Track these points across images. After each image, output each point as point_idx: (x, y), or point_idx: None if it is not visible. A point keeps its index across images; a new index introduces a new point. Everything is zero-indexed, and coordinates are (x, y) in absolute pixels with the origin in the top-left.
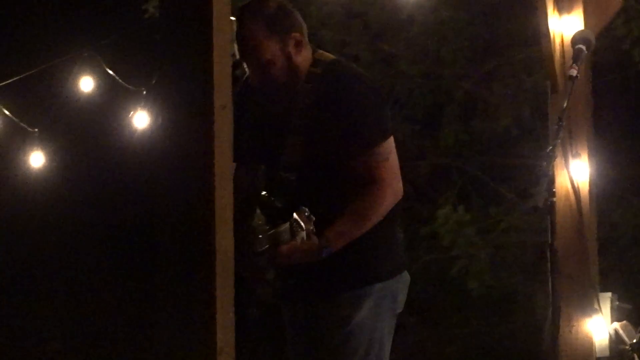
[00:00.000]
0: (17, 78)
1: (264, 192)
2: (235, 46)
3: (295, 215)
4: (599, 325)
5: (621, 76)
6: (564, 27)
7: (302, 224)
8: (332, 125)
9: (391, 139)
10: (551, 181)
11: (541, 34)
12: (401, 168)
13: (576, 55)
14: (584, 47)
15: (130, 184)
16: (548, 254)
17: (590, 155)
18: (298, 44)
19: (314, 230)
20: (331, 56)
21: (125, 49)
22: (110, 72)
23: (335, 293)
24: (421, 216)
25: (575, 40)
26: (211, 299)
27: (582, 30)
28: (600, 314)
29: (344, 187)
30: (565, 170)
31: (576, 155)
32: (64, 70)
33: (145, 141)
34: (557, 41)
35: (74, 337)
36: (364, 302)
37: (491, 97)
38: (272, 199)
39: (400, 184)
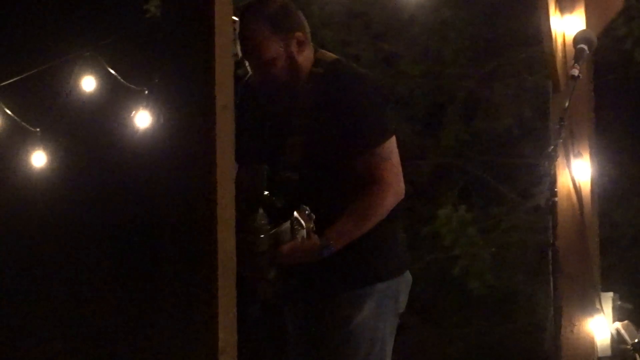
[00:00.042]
0: (18, 78)
1: (266, 192)
2: (238, 45)
3: (295, 213)
4: (600, 325)
5: (622, 76)
6: (566, 26)
7: (303, 222)
8: (334, 125)
9: (393, 139)
10: (553, 181)
11: (543, 34)
12: (402, 168)
13: (578, 55)
14: (585, 47)
15: (132, 183)
16: (549, 253)
17: (591, 155)
18: (300, 44)
19: (314, 228)
20: (333, 56)
21: (126, 48)
22: (112, 71)
23: (336, 293)
24: (422, 216)
25: (577, 40)
26: (213, 299)
27: (583, 30)
28: (601, 313)
29: (345, 187)
30: (566, 170)
31: (578, 155)
32: (66, 70)
33: (147, 141)
34: (559, 41)
35: (75, 337)
36: (365, 302)
37: (492, 96)
38: (274, 198)
39: (402, 184)
